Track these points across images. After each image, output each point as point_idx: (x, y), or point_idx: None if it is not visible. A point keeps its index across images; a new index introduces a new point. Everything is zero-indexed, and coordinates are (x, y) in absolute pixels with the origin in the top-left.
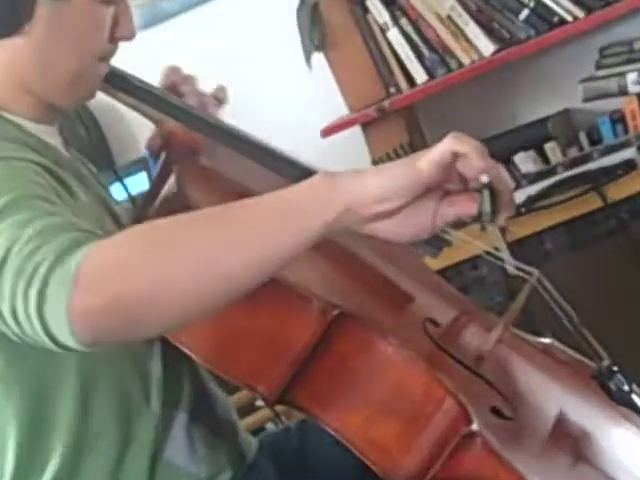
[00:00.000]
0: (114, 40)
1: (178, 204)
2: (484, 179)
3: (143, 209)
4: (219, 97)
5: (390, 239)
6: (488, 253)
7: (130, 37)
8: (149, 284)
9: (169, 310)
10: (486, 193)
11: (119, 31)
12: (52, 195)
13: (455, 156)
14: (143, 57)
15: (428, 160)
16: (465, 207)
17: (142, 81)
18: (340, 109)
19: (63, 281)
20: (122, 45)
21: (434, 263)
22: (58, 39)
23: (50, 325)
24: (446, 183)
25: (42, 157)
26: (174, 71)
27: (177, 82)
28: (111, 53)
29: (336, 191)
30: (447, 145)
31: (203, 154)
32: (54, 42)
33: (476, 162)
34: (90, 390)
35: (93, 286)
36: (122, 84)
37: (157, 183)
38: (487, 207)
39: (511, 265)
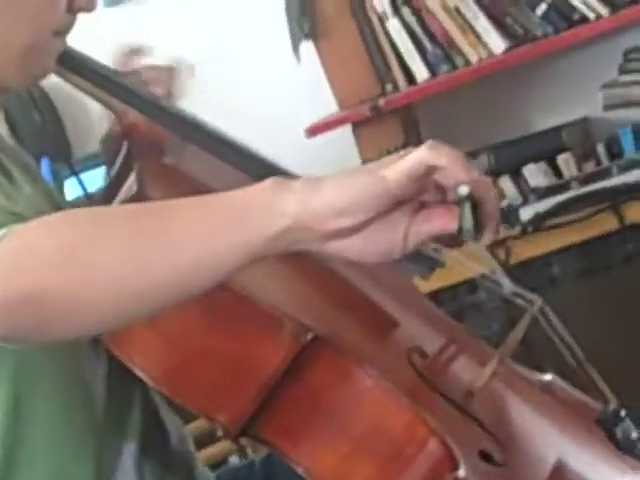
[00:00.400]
0: (72, 11)
1: None
2: (464, 191)
3: None
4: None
5: (355, 259)
6: (484, 276)
7: (90, 8)
8: (64, 280)
9: (83, 313)
10: (467, 206)
11: (78, 1)
12: None
13: (430, 169)
14: (110, 38)
15: (397, 170)
16: (442, 222)
17: (101, 65)
18: (328, 106)
19: None
20: (87, 23)
21: (426, 284)
22: (9, 8)
23: None
24: (420, 195)
25: None
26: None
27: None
28: (68, 27)
29: (283, 202)
30: (420, 156)
31: (168, 151)
32: (4, 12)
33: (457, 175)
34: (25, 397)
35: (5, 275)
36: (77, 66)
37: (115, 181)
38: (468, 223)
39: (510, 290)
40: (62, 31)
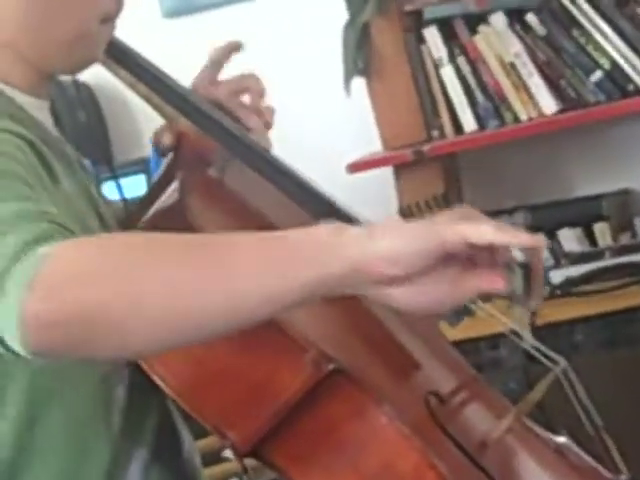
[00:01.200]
0: None
1: (175, 217)
2: (519, 257)
3: (136, 214)
4: (266, 119)
5: (403, 308)
6: (514, 333)
7: None
8: (109, 303)
9: (128, 337)
10: (520, 272)
11: None
12: (31, 175)
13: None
14: (164, 47)
15: (456, 232)
16: (492, 283)
17: (155, 67)
18: (372, 143)
19: (19, 281)
20: (141, 31)
21: (449, 334)
22: None
23: None
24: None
25: (27, 130)
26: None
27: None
28: (115, 13)
29: (344, 247)
30: (485, 233)
31: (214, 164)
32: (49, 0)
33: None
34: (39, 407)
35: (50, 293)
36: (130, 63)
37: (157, 187)
38: (519, 288)
39: (537, 350)
40: (109, 18)
